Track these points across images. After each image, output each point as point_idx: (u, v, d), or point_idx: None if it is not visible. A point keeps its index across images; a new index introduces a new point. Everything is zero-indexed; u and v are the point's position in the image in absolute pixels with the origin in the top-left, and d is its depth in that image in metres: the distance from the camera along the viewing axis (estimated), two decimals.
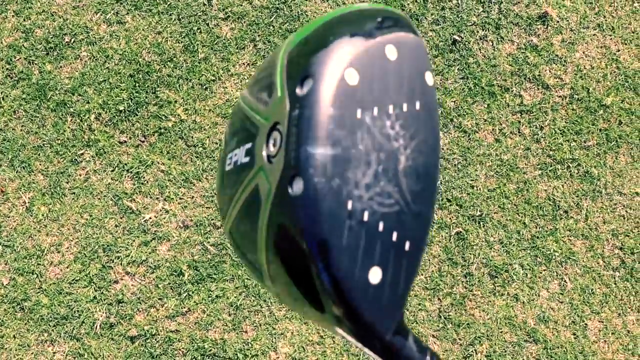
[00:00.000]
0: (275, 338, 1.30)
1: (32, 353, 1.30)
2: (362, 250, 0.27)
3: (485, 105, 1.39)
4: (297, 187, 0.27)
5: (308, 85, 0.28)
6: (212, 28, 1.44)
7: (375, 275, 0.27)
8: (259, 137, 0.30)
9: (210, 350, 1.29)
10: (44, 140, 1.39)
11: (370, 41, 0.28)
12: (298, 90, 0.28)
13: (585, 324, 1.30)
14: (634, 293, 1.31)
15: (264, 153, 0.30)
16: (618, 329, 1.30)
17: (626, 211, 1.34)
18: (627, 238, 1.33)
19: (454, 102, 1.39)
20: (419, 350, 0.31)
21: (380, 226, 0.27)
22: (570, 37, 1.42)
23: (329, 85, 0.27)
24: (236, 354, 1.29)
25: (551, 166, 1.36)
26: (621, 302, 1.31)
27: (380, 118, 0.27)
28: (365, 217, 0.27)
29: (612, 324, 1.30)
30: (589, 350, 1.29)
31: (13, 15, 1.46)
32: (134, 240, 1.34)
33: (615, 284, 1.32)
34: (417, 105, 0.29)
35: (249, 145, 0.32)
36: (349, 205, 0.26)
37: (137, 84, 1.41)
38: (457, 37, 1.41)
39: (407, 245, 0.28)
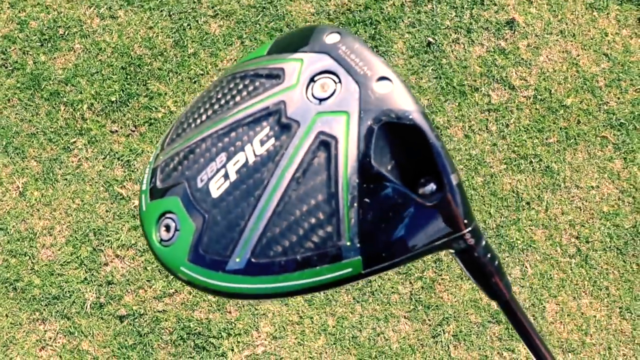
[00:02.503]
0: (257, 318, 1.33)
1: (24, 331, 1.31)
2: None
3: (457, 104, 1.44)
4: (384, 84, 0.32)
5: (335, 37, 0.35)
6: (202, 25, 1.46)
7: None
8: (290, 103, 0.33)
9: (196, 329, 1.32)
10: (37, 128, 1.40)
11: None
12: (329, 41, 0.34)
13: (544, 307, 1.36)
14: (588, 278, 1.38)
15: (313, 99, 0.33)
16: (573, 312, 1.36)
17: (582, 203, 1.41)
18: (583, 228, 1.40)
19: (428, 100, 1.44)
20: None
21: None
22: (535, 42, 1.48)
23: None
24: (220, 333, 1.32)
25: (515, 161, 1.42)
26: (576, 287, 1.38)
27: None
28: None
29: (567, 306, 1.37)
30: (547, 330, 1.35)
31: (8, 7, 1.46)
32: (124, 225, 1.36)
33: (571, 270, 1.38)
34: None
35: (266, 129, 0.33)
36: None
37: (128, 76, 1.43)
38: (431, 40, 1.46)
39: None
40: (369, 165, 0.31)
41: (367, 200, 0.32)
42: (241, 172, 0.33)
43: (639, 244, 1.40)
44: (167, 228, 0.34)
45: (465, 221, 0.33)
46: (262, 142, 0.33)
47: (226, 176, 0.33)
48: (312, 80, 0.33)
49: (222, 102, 0.35)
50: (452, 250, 0.35)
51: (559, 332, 1.35)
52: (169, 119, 1.41)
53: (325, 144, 0.32)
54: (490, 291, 0.38)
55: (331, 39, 0.34)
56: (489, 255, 0.36)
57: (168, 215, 0.34)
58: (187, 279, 0.34)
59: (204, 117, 0.36)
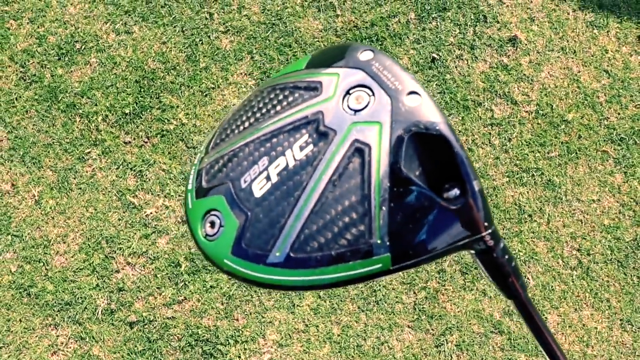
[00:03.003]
0: (264, 326, 1.35)
1: (36, 336, 1.34)
2: None
3: (460, 118, 1.47)
4: (414, 98, 0.35)
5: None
6: (213, 40, 1.50)
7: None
8: (327, 113, 0.36)
9: (204, 336, 1.34)
10: (53, 139, 1.44)
11: None
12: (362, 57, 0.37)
13: (546, 318, 1.38)
14: (589, 290, 1.39)
15: (349, 110, 0.36)
16: (574, 323, 1.38)
17: (584, 216, 1.43)
18: (584, 240, 1.42)
19: None
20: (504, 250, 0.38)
21: None
22: (537, 58, 1.51)
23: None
24: (227, 340, 1.34)
25: (518, 174, 1.45)
26: (577, 299, 1.39)
27: None
28: None
29: (569, 318, 1.38)
30: None
31: (28, 22, 1.51)
32: (135, 233, 1.39)
33: (572, 282, 1.40)
34: None
35: (305, 136, 0.36)
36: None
37: (142, 89, 1.47)
38: (435, 56, 1.50)
39: None
40: (399, 170, 0.34)
41: (397, 202, 0.34)
42: (282, 174, 0.36)
43: (639, 256, 1.41)
44: (212, 224, 0.37)
45: (486, 224, 0.36)
46: (302, 148, 0.36)
47: (268, 178, 0.36)
48: (347, 93, 0.37)
49: (264, 110, 0.39)
50: (472, 251, 0.38)
51: (561, 343, 1.36)
52: (181, 130, 1.45)
53: (360, 150, 0.35)
54: (508, 291, 0.40)
55: (365, 56, 0.37)
56: (506, 257, 0.38)
57: (213, 212, 0.38)
58: (229, 271, 0.36)
59: (246, 124, 0.39)
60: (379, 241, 0.34)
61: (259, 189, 0.36)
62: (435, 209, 0.35)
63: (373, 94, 0.36)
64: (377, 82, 0.36)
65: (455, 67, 1.49)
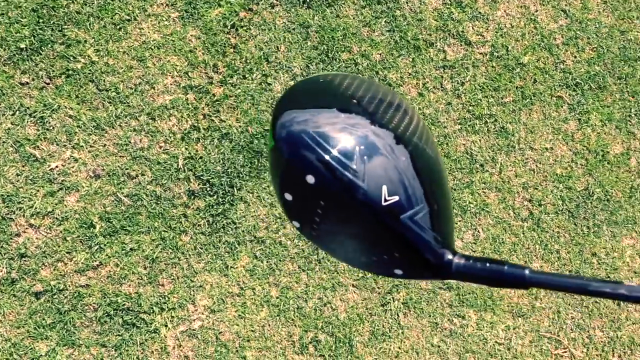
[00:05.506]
0: (193, 291, 1.20)
1: None
2: None
3: (410, 59, 1.32)
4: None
5: None
6: None
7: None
8: None
9: (124, 304, 1.17)
10: None
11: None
12: None
13: None
14: (539, 242, 1.32)
15: None
16: None
17: (536, 165, 1.34)
18: (536, 191, 1.34)
19: (380, 54, 1.32)
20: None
21: None
22: None
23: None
24: (152, 308, 1.18)
25: (470, 121, 1.33)
26: (528, 251, 1.32)
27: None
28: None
29: None
30: (497, 295, 1.30)
31: None
32: (38, 190, 1.18)
33: (523, 233, 1.32)
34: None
35: None
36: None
37: (41, 20, 1.21)
38: None
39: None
40: None
41: None
42: None
43: (589, 206, 1.35)
44: None
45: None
46: None
47: None
48: None
49: None
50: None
51: (510, 297, 1.30)
52: (90, 70, 1.22)
53: None
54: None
55: None
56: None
57: None
58: None
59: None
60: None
61: None
62: None
63: None
64: None
65: (407, 2, 1.33)
